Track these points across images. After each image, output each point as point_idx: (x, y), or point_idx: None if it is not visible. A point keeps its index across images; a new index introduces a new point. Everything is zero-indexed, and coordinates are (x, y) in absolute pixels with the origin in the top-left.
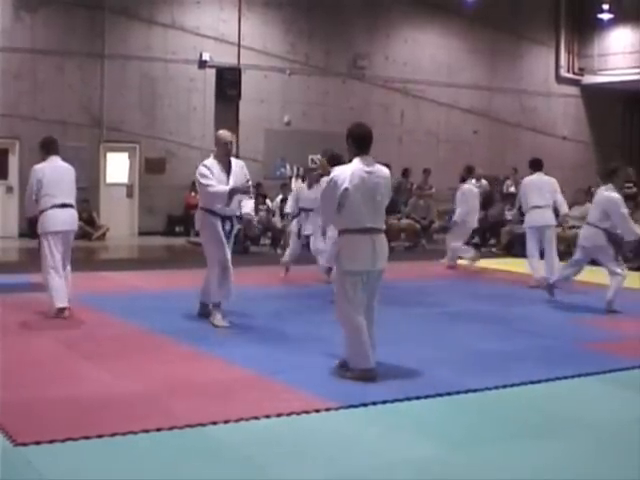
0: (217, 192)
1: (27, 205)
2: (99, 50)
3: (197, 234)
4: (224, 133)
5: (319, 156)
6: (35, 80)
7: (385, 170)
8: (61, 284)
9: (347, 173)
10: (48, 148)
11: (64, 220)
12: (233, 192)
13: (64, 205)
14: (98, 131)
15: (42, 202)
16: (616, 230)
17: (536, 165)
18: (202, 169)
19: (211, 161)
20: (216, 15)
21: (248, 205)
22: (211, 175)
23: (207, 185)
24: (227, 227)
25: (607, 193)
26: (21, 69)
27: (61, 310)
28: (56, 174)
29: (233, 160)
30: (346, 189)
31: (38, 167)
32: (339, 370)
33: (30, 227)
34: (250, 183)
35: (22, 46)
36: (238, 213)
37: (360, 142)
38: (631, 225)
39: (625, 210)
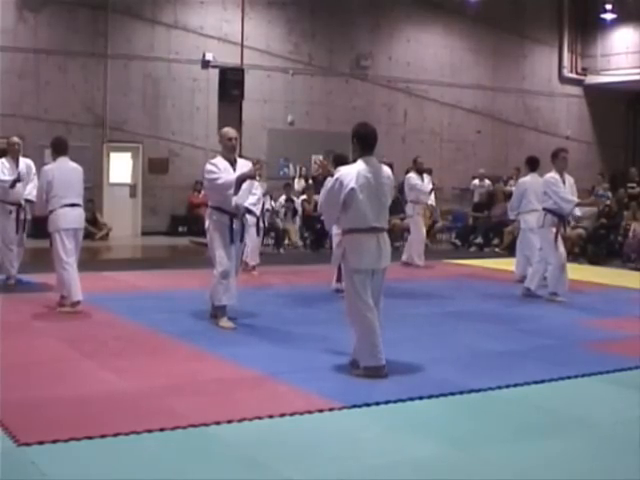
0: (225, 182)
1: (37, 204)
2: (102, 50)
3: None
4: (227, 129)
5: (320, 157)
6: (38, 80)
7: (388, 171)
8: (76, 278)
9: (353, 173)
10: (58, 149)
11: (74, 219)
12: (240, 178)
13: (73, 205)
14: (101, 131)
15: (52, 202)
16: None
17: (535, 164)
18: (208, 166)
19: (217, 159)
20: (219, 15)
21: (251, 199)
22: (217, 170)
23: (214, 178)
24: (237, 227)
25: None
26: (24, 69)
27: (76, 303)
28: (65, 176)
29: (239, 160)
30: (352, 189)
31: (48, 168)
32: (351, 369)
33: (36, 225)
34: (257, 167)
35: (25, 46)
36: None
37: (365, 142)
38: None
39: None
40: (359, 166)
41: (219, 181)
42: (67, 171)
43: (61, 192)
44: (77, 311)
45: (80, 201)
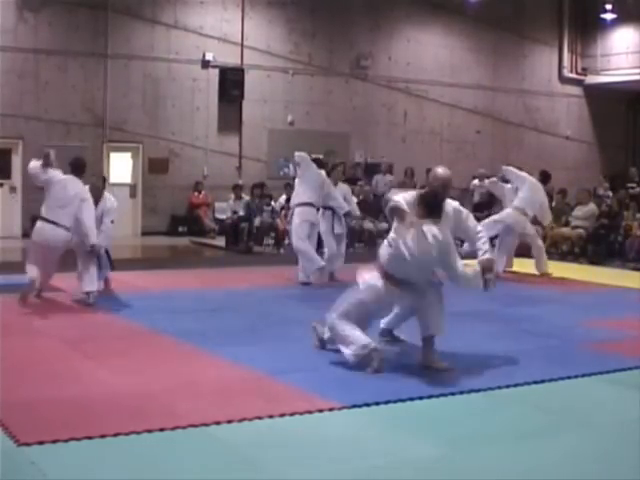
0: None
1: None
2: (102, 50)
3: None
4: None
5: (320, 156)
6: (38, 80)
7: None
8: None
9: None
10: (74, 169)
11: (50, 236)
12: None
13: (55, 223)
14: (101, 131)
15: (41, 209)
16: None
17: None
18: None
19: None
20: (219, 15)
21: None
22: None
23: None
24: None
25: None
26: (24, 69)
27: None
28: (64, 193)
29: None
30: None
31: (60, 177)
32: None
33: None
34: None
35: (25, 46)
36: None
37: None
38: None
39: None
40: None
41: None
42: (69, 190)
43: (52, 204)
44: (42, 298)
45: (65, 223)
